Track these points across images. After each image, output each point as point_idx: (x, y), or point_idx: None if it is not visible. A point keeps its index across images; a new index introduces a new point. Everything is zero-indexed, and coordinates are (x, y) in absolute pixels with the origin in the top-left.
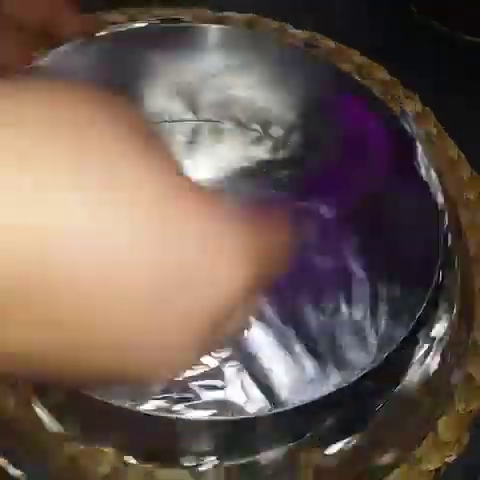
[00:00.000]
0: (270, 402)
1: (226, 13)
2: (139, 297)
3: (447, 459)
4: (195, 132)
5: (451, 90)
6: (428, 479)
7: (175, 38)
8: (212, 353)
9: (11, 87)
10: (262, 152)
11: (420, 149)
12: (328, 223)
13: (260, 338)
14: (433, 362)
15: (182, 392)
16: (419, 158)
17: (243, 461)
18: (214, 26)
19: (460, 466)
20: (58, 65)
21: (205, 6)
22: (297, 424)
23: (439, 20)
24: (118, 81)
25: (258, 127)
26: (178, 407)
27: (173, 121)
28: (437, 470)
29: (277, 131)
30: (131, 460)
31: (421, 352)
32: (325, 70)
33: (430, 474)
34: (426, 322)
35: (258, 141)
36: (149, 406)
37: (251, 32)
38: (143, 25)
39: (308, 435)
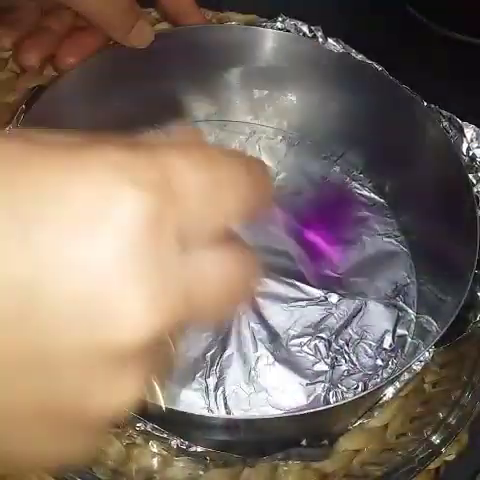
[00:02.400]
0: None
1: (226, 13)
2: None
3: (447, 458)
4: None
5: (451, 90)
6: (428, 478)
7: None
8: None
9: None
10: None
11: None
12: None
13: None
14: None
15: None
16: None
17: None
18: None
19: (459, 465)
20: (100, 65)
21: (205, 6)
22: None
23: (438, 20)
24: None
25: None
26: None
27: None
28: (437, 469)
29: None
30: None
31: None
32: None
33: (430, 473)
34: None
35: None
36: None
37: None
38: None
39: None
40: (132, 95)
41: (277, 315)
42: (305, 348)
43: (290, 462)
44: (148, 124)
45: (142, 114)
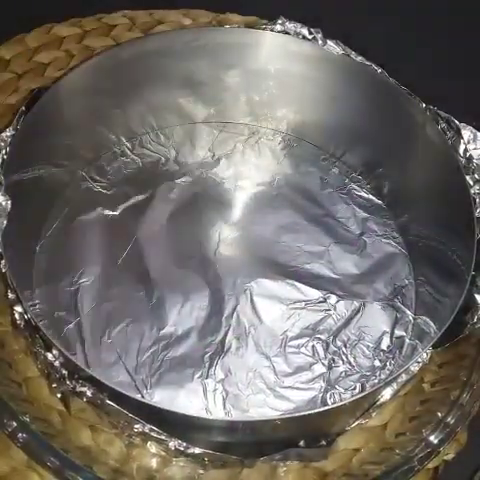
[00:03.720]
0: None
1: (226, 15)
2: None
3: (445, 457)
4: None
5: (450, 91)
6: (426, 477)
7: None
8: None
9: None
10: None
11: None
12: None
13: None
14: None
15: None
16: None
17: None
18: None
19: (458, 464)
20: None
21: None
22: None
23: None
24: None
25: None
26: None
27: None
28: (435, 468)
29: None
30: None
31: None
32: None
33: (428, 472)
34: None
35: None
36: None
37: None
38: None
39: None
40: (132, 97)
41: (275, 316)
42: (303, 349)
43: (289, 462)
44: (148, 126)
45: (142, 116)
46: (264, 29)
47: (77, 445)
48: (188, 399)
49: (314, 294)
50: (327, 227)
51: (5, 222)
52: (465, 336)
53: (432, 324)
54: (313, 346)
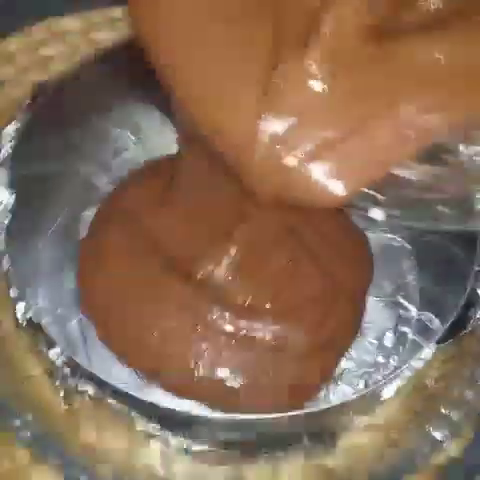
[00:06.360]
0: None
1: None
2: None
3: (450, 454)
4: None
5: None
6: (431, 473)
7: None
8: None
9: None
10: None
11: None
12: None
13: None
14: None
15: None
16: None
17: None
18: None
19: (463, 461)
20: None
21: None
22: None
23: None
24: None
25: None
26: None
27: None
28: (440, 465)
29: None
30: None
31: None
32: None
33: (433, 469)
34: None
35: None
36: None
37: None
38: None
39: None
40: (138, 92)
41: None
42: None
43: (291, 459)
44: (152, 121)
45: (147, 108)
46: None
47: (79, 444)
48: None
49: None
50: None
51: (8, 217)
52: (469, 332)
53: (436, 320)
54: None
